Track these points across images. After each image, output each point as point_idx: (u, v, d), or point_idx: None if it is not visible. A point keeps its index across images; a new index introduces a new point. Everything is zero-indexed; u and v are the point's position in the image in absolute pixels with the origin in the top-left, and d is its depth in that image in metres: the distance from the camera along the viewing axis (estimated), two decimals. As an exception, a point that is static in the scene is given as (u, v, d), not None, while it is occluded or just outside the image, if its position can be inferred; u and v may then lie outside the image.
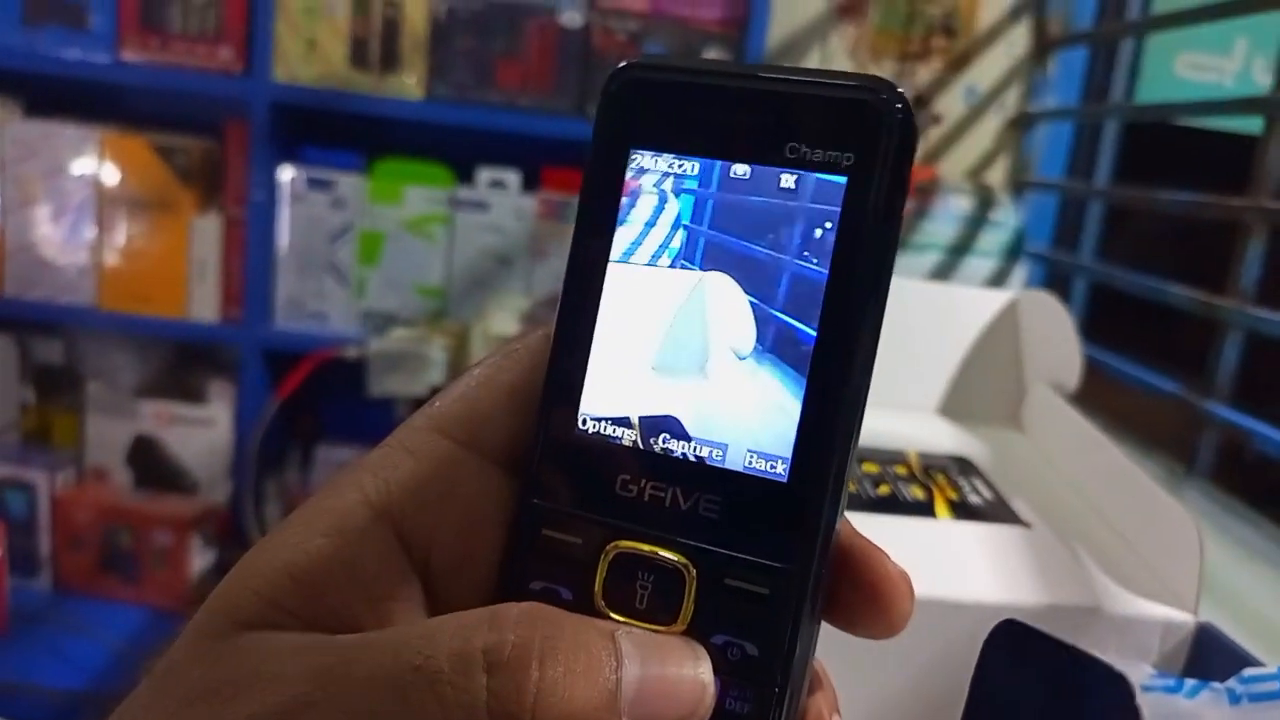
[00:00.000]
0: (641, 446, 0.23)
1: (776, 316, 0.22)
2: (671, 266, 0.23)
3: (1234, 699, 0.41)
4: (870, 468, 0.56)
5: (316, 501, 0.23)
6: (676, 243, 0.23)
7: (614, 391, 0.23)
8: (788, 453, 0.22)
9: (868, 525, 0.51)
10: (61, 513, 1.42)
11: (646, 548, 0.23)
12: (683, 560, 0.22)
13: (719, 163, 0.23)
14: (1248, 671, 0.41)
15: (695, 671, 0.22)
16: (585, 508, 0.23)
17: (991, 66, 1.50)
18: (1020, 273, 1.34)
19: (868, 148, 0.22)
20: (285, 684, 0.20)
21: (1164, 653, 0.45)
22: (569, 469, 0.24)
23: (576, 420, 0.24)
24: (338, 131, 1.44)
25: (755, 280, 0.23)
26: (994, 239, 1.35)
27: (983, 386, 0.70)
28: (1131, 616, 0.45)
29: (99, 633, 1.32)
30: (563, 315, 0.24)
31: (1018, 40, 1.49)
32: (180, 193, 1.41)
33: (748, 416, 0.22)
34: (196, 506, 1.44)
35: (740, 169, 0.23)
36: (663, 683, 0.21)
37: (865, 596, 0.23)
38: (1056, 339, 0.67)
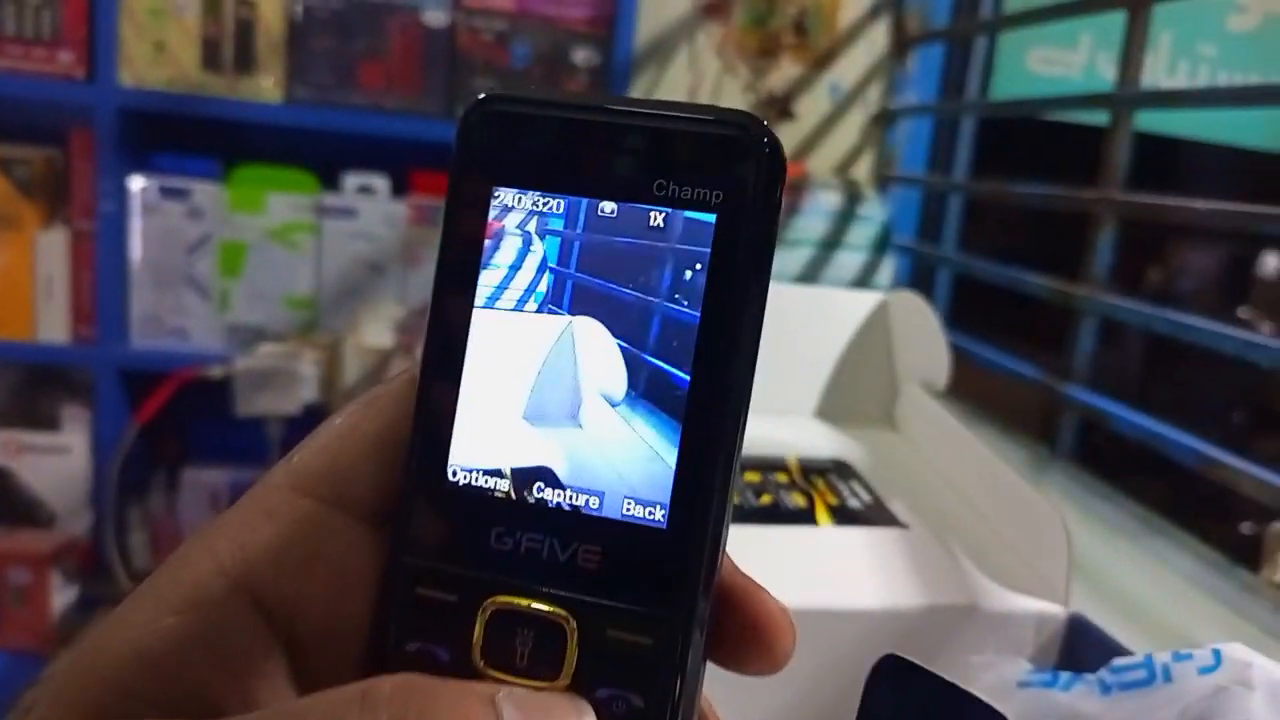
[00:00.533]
0: (515, 497, 0.22)
1: (649, 361, 0.22)
2: (539, 311, 0.22)
3: (1105, 689, 0.42)
4: (752, 476, 0.56)
5: (166, 573, 0.22)
6: (543, 286, 0.23)
7: (484, 441, 0.22)
8: (666, 499, 0.22)
9: (752, 536, 0.51)
10: (-99, 554, 1.32)
11: (524, 602, 0.22)
12: (562, 613, 0.22)
13: (586, 200, 0.22)
14: (1117, 661, 0.42)
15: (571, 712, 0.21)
16: (459, 563, 0.22)
17: (854, 64, 1.53)
18: (889, 266, 1.38)
19: (736, 185, 0.22)
20: None
21: (1039, 645, 0.47)
22: (440, 523, 0.23)
23: (446, 471, 0.23)
24: (192, 138, 1.38)
25: (626, 324, 0.22)
26: (862, 233, 1.38)
27: (857, 388, 0.72)
28: (1006, 612, 0.46)
29: (-51, 682, 1.23)
30: (427, 363, 0.23)
31: (878, 38, 1.53)
32: (22, 206, 1.32)
33: (623, 463, 0.22)
34: (55, 540, 1.36)
35: (608, 207, 0.22)
36: None
37: (748, 636, 0.22)
38: (925, 339, 0.69)
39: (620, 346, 0.22)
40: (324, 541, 0.22)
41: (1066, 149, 1.46)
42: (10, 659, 1.32)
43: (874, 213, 1.41)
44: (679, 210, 0.22)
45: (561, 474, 0.22)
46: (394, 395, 0.24)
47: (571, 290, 0.23)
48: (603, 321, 0.22)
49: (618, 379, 0.22)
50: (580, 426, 0.22)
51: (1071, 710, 0.42)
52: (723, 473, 0.22)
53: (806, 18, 1.50)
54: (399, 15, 1.31)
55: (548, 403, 0.22)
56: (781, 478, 0.57)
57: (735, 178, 0.22)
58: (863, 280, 1.37)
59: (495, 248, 0.23)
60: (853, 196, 1.41)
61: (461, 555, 0.22)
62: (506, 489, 0.22)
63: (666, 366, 0.22)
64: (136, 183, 1.33)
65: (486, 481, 0.22)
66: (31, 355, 1.37)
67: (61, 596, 1.35)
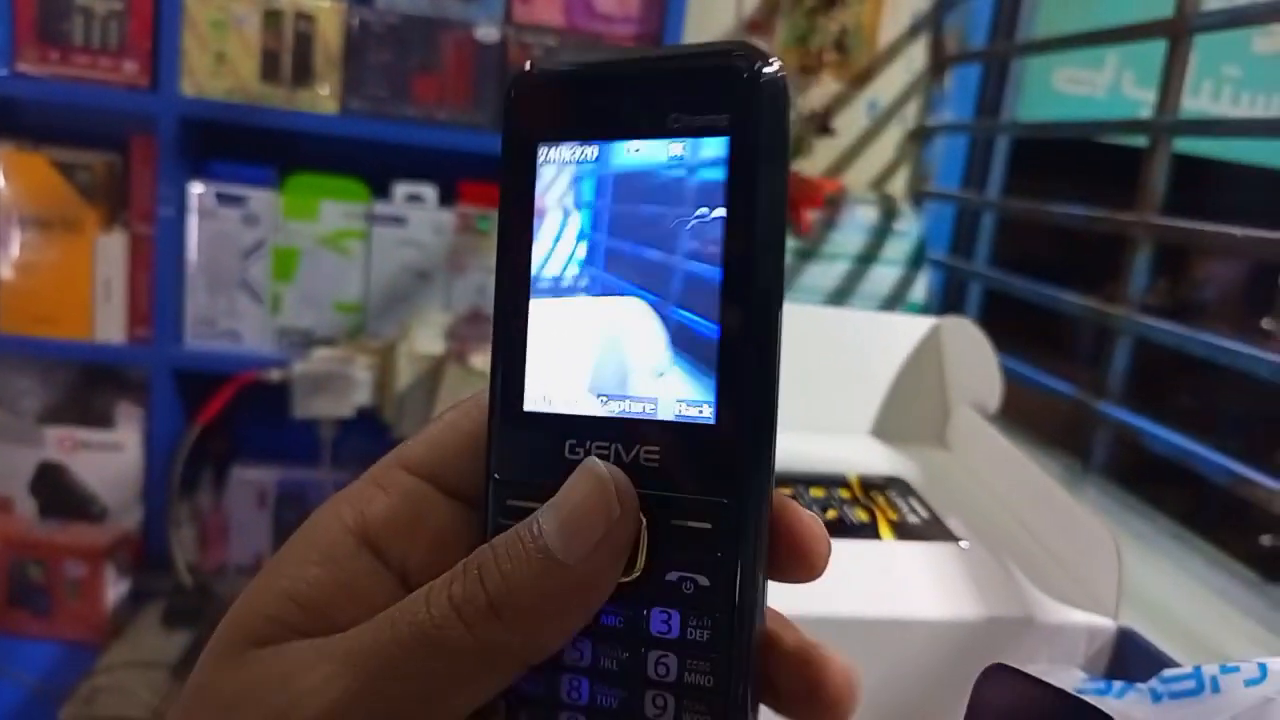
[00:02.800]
0: (581, 414, 0.26)
1: (684, 269, 0.24)
2: (587, 284, 0.25)
3: (1156, 698, 0.45)
4: (817, 491, 0.59)
5: (302, 535, 0.27)
6: (587, 224, 0.25)
7: (552, 375, 0.26)
8: (711, 397, 0.24)
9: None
10: (-37, 545, 1.37)
11: None
12: None
13: (616, 143, 0.25)
14: (1167, 672, 0.45)
15: (581, 471, 0.24)
16: (541, 474, 0.25)
17: (893, 82, 1.56)
18: (923, 280, 1.40)
19: (741, 104, 0.23)
20: (311, 671, 0.23)
21: (1089, 656, 0.50)
22: (521, 443, 0.26)
23: (522, 402, 0.26)
24: (249, 146, 1.42)
25: (660, 244, 0.24)
26: (898, 248, 1.41)
27: (910, 408, 0.75)
28: (1059, 624, 0.49)
29: (11, 670, 1.27)
30: (499, 316, 0.27)
31: (916, 57, 1.56)
32: (83, 210, 1.37)
33: (673, 373, 0.24)
34: (108, 534, 1.40)
35: (634, 145, 0.25)
36: (570, 504, 0.24)
37: (784, 544, 0.25)
38: (977, 363, 0.72)
39: (660, 310, 0.24)
40: (425, 510, 0.27)
41: (1100, 165, 1.48)
42: (65, 649, 1.36)
43: (909, 228, 1.44)
44: (694, 138, 0.24)
45: (619, 389, 0.25)
46: (485, 402, 0.28)
47: (610, 222, 0.25)
48: (638, 243, 0.25)
49: (661, 353, 0.24)
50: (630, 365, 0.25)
51: (1125, 717, 0.45)
52: (759, 365, 0.24)
53: (847, 36, 1.53)
54: (453, 31, 1.35)
55: (605, 380, 0.25)
56: (844, 493, 0.60)
57: (739, 98, 0.23)
58: (898, 294, 1.40)
59: (544, 199, 0.26)
60: (889, 212, 1.44)
61: (542, 468, 0.25)
62: (574, 409, 0.25)
63: (699, 269, 0.24)
64: (195, 189, 1.37)
65: (556, 405, 0.26)
66: (89, 354, 1.42)
67: (114, 589, 1.40)
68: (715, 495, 0.24)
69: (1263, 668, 0.43)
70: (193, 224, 1.38)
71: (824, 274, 1.38)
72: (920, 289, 1.41)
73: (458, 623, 0.23)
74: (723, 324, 0.24)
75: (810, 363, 0.68)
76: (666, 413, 0.24)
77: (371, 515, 0.26)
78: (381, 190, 1.42)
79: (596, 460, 0.24)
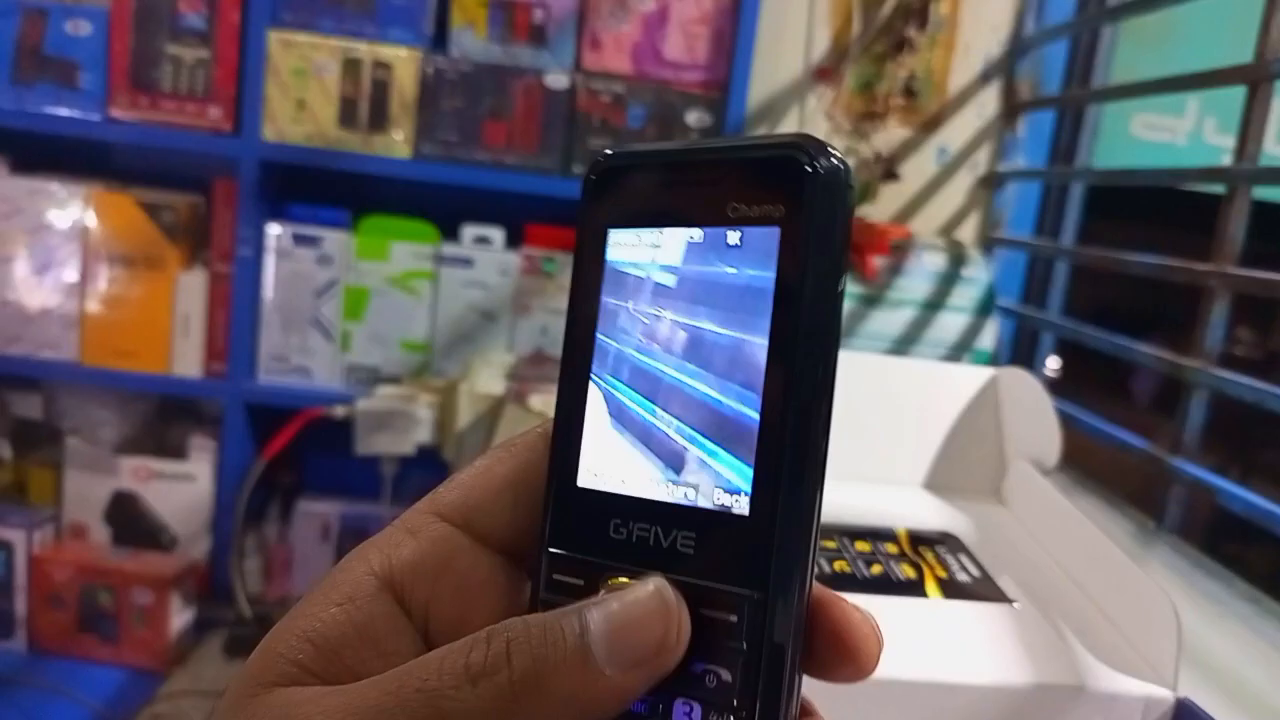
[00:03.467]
0: (627, 495, 0.26)
1: (733, 349, 0.24)
2: (644, 366, 0.26)
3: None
4: (863, 546, 0.58)
5: (330, 577, 0.27)
6: (649, 317, 0.26)
7: (605, 458, 0.26)
8: (748, 487, 0.24)
9: (862, 605, 0.53)
10: (39, 571, 1.41)
11: (630, 581, 0.24)
12: None
13: (679, 229, 0.26)
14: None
15: (649, 588, 0.23)
16: (587, 551, 0.26)
17: (963, 128, 1.54)
18: (992, 328, 1.38)
19: (796, 197, 0.24)
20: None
21: (1146, 728, 0.47)
22: (571, 516, 0.27)
23: (576, 478, 0.27)
24: (325, 189, 1.46)
25: (714, 333, 0.25)
26: (966, 295, 1.39)
27: (966, 461, 0.73)
28: (1115, 693, 0.47)
29: (77, 694, 1.31)
30: (560, 398, 0.27)
31: (988, 102, 1.54)
32: (166, 248, 1.42)
33: (718, 464, 0.24)
34: (176, 564, 1.44)
35: (696, 234, 0.26)
36: (625, 615, 0.23)
37: (832, 643, 0.24)
38: (1035, 416, 0.70)
39: (710, 382, 0.25)
40: (453, 557, 0.27)
41: (1179, 213, 1.45)
42: (129, 675, 1.39)
43: (978, 275, 1.41)
44: (749, 227, 0.24)
45: (666, 473, 0.25)
46: (526, 445, 0.28)
47: (669, 306, 0.26)
48: (694, 328, 0.25)
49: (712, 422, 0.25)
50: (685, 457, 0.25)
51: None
52: (797, 458, 0.23)
53: (916, 81, 1.53)
54: (524, 78, 1.38)
55: (656, 460, 0.25)
56: (891, 548, 0.59)
57: (794, 190, 0.24)
58: (965, 342, 1.37)
59: (611, 282, 0.27)
60: (957, 258, 1.42)
61: (588, 545, 0.26)
62: (621, 489, 0.26)
63: (747, 357, 0.24)
64: (272, 229, 1.41)
65: (606, 485, 0.26)
66: (165, 387, 1.46)
67: (179, 618, 1.43)
68: (744, 587, 0.24)
69: None
70: (269, 263, 1.42)
71: (889, 320, 1.36)
72: (989, 337, 1.38)
73: (471, 693, 0.22)
74: (763, 415, 0.24)
75: (862, 411, 0.67)
76: (705, 500, 0.25)
77: (398, 560, 0.26)
78: (450, 232, 1.45)
79: (667, 585, 0.24)
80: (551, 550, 0.26)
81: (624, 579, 0.25)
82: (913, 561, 0.57)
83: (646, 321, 0.26)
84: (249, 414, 1.46)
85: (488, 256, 1.44)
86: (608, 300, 0.26)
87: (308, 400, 1.39)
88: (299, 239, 1.42)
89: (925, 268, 1.41)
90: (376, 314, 1.44)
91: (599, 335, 0.26)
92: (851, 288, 1.37)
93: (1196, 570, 0.95)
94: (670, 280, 0.25)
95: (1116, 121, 1.60)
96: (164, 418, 1.54)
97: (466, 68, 1.37)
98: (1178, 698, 0.47)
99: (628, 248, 0.26)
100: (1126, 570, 0.53)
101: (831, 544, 0.58)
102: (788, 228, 0.24)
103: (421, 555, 0.27)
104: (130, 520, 1.47)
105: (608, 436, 0.26)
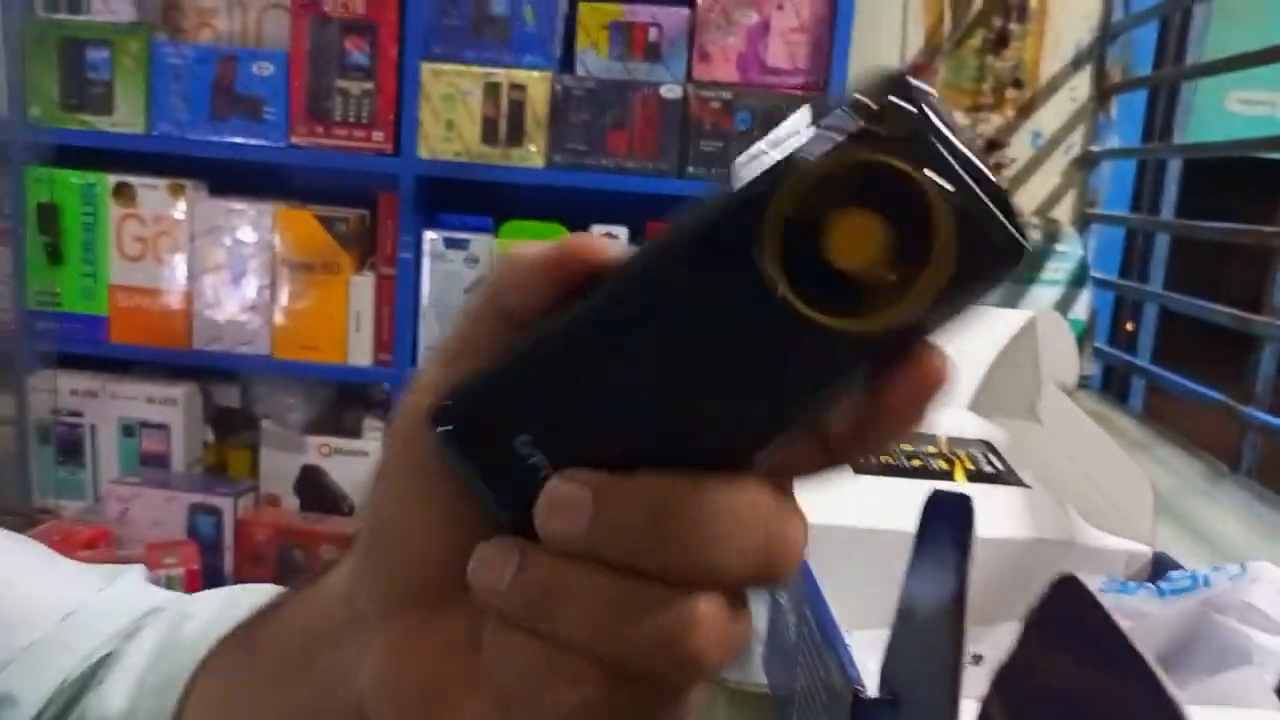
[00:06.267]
0: None
1: None
2: None
3: (1161, 594, 0.55)
4: (906, 446, 0.71)
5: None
6: None
7: None
8: None
9: (896, 485, 0.66)
10: (243, 533, 1.66)
11: None
12: None
13: None
14: (1171, 573, 0.56)
15: None
16: None
17: (1057, 111, 1.63)
18: (1085, 298, 1.46)
19: None
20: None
21: (1128, 576, 0.59)
22: None
23: None
24: (471, 199, 1.66)
25: None
26: (1060, 268, 1.48)
27: (1005, 388, 0.85)
28: (1100, 548, 0.59)
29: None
30: None
31: (1080, 86, 1.62)
32: (340, 255, 1.65)
33: None
34: (355, 525, 1.65)
35: None
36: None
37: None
38: (1062, 349, 0.81)
39: None
40: None
41: (1275, 184, 1.49)
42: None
43: (1072, 249, 1.50)
44: None
45: None
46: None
47: None
48: None
49: None
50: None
51: (1136, 609, 0.55)
52: None
53: (1021, 71, 1.62)
54: (641, 90, 1.55)
55: None
56: (931, 449, 0.72)
57: None
58: (1059, 310, 1.46)
59: None
60: (1051, 234, 1.51)
61: None
62: None
63: None
64: (428, 236, 1.62)
65: None
66: (343, 375, 1.69)
67: (360, 575, 1.64)
68: None
69: (1244, 566, 0.53)
70: (426, 265, 1.63)
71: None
72: (1083, 307, 1.47)
73: None
74: None
75: None
76: None
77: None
78: (580, 232, 1.62)
79: None
80: None
81: None
82: (948, 458, 0.70)
83: None
84: (412, 397, 1.67)
85: (614, 251, 1.61)
86: None
87: (462, 383, 1.59)
88: (450, 243, 1.63)
89: (1019, 245, 1.50)
90: (518, 306, 1.63)
91: None
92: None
93: (1262, 504, 1.03)
94: None
95: (1211, 99, 1.65)
96: (342, 402, 1.77)
97: (591, 84, 1.55)
98: (1155, 551, 0.59)
99: None
100: (1117, 456, 0.65)
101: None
102: None
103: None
104: (316, 490, 1.70)
105: None
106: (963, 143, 0.20)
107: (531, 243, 0.23)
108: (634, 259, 0.22)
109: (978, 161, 0.20)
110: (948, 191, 0.20)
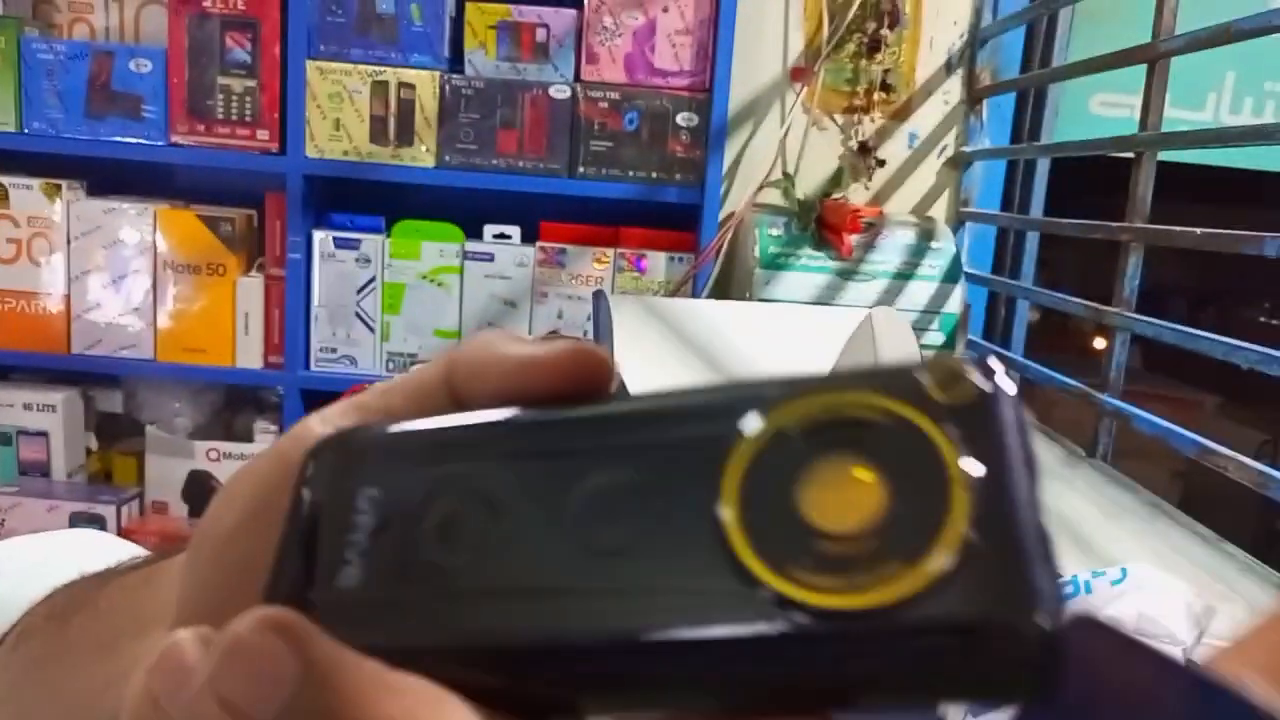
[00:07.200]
0: None
1: None
2: None
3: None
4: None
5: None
6: None
7: None
8: None
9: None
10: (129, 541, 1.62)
11: None
12: None
13: None
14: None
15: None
16: None
17: (931, 114, 1.70)
18: (959, 293, 1.53)
19: None
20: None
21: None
22: None
23: None
24: (362, 198, 1.65)
25: None
26: (934, 264, 1.55)
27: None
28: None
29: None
30: None
31: (953, 90, 1.69)
32: (226, 256, 1.62)
33: None
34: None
35: None
36: None
37: None
38: (901, 342, 0.86)
39: None
40: None
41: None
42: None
43: (945, 246, 1.57)
44: None
45: None
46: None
47: None
48: None
49: None
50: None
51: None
52: None
53: (892, 76, 1.68)
54: (531, 90, 1.56)
55: None
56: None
57: None
58: (934, 305, 1.53)
59: None
60: (926, 233, 1.58)
61: None
62: None
63: None
64: (317, 236, 1.61)
65: None
66: (231, 378, 1.66)
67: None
68: None
69: (1124, 571, 0.56)
70: (316, 266, 1.62)
71: (863, 291, 1.52)
72: (956, 301, 1.54)
73: None
74: None
75: (748, 353, 0.83)
76: None
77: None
78: (473, 231, 1.63)
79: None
80: None
81: None
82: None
83: None
84: (305, 400, 1.65)
85: (507, 251, 1.62)
86: None
87: (356, 383, 1.58)
88: (341, 243, 1.62)
89: (896, 242, 1.57)
90: (411, 306, 1.63)
91: None
92: (827, 262, 1.54)
93: (1113, 485, 1.11)
94: None
95: (1076, 102, 1.75)
96: (231, 406, 1.74)
97: (480, 84, 1.56)
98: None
99: None
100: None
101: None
102: None
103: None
104: (205, 496, 1.67)
105: None
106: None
107: (519, 338, 0.22)
108: (610, 410, 0.20)
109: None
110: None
